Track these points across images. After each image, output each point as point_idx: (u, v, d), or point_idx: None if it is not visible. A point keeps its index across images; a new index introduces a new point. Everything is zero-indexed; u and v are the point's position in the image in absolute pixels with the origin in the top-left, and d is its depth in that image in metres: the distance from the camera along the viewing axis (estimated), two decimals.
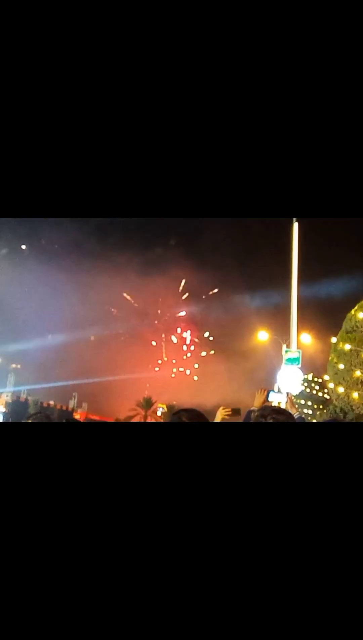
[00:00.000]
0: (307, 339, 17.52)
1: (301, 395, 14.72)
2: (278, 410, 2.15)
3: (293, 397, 4.94)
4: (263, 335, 18.96)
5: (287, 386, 13.66)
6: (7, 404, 53.53)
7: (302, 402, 14.67)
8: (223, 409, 3.14)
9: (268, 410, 2.11)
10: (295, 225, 14.09)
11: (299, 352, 13.70)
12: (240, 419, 3.14)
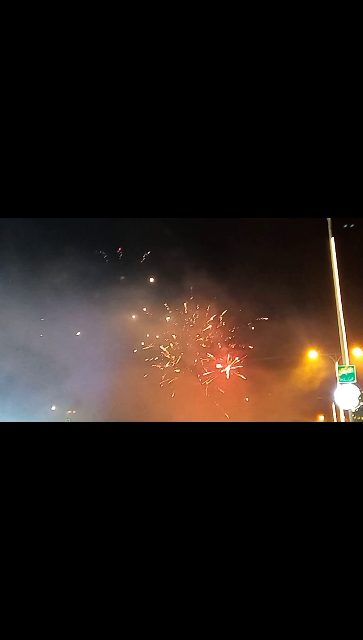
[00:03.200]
0: (359, 352, 17.06)
1: (361, 412, 14.23)
2: None
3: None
4: (312, 354, 18.60)
5: (345, 404, 13.25)
6: None
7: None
8: None
9: None
10: (332, 240, 13.96)
11: (353, 367, 13.32)
12: None
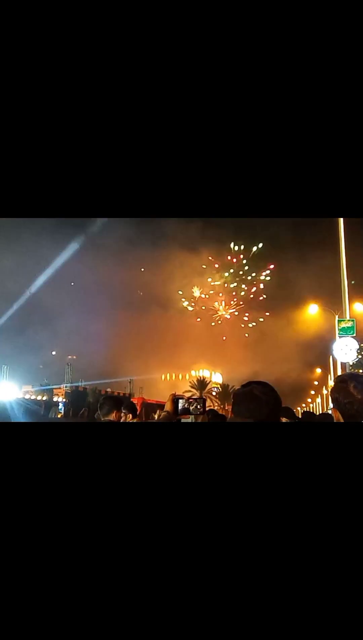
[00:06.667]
0: (361, 307, 17.02)
1: (359, 364, 14.40)
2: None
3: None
4: (313, 309, 18.58)
5: (343, 356, 13.38)
6: (66, 394, 55.62)
7: (361, 371, 14.34)
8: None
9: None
10: None
11: (353, 321, 13.34)
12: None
